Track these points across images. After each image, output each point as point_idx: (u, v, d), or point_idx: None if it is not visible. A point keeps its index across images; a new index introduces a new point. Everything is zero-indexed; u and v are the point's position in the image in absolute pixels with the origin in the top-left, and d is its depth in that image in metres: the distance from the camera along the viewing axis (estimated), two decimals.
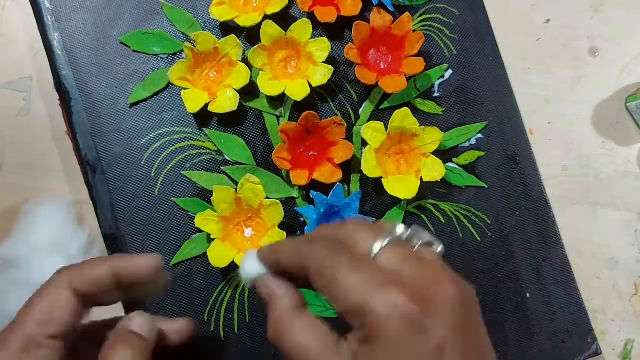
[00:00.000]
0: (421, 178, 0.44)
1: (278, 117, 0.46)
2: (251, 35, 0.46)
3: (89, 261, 0.35)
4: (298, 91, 0.44)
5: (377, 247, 0.29)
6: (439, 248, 0.31)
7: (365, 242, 0.30)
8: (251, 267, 0.33)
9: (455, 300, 0.28)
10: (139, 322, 0.35)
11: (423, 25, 0.48)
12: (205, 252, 0.43)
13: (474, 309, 0.29)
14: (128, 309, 0.43)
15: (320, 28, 0.47)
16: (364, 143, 0.46)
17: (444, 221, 0.47)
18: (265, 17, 0.44)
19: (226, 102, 0.44)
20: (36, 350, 0.31)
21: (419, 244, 0.30)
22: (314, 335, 0.29)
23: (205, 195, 0.45)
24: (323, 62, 0.44)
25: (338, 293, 0.28)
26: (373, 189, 0.46)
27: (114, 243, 0.44)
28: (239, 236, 0.44)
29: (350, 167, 0.46)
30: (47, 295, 0.33)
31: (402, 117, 0.44)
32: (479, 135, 0.48)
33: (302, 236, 0.34)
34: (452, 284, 0.28)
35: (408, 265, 0.28)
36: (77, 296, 0.33)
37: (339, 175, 0.44)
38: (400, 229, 0.30)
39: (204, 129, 0.46)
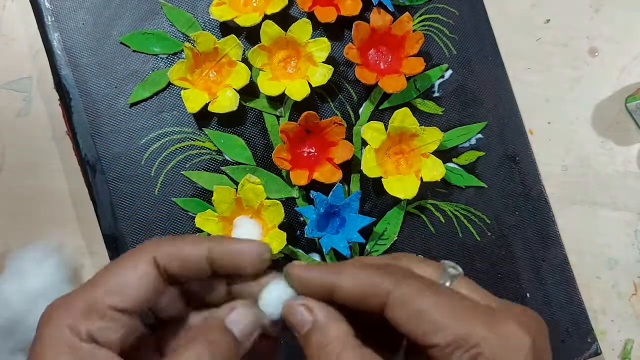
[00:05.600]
0: (421, 178, 0.44)
1: (278, 117, 0.46)
2: (251, 35, 0.46)
3: (181, 237, 0.29)
4: (298, 91, 0.44)
5: (444, 281, 0.27)
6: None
7: (431, 276, 0.27)
8: (276, 298, 0.28)
9: (543, 329, 0.26)
10: (239, 317, 0.27)
11: (423, 25, 0.48)
12: None
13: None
14: None
15: (320, 28, 0.47)
16: (364, 143, 0.46)
17: (443, 221, 0.47)
18: (265, 17, 0.44)
19: (226, 102, 0.44)
20: (98, 319, 0.26)
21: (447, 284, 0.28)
22: None
23: (205, 195, 0.45)
24: (323, 62, 0.44)
25: (432, 323, 0.25)
26: (373, 189, 0.46)
27: (114, 243, 0.44)
28: None
29: (350, 167, 0.46)
30: (125, 264, 0.27)
31: (402, 117, 0.44)
32: (479, 135, 0.48)
33: (346, 262, 0.29)
34: (531, 311, 0.27)
35: (481, 297, 0.27)
36: (160, 273, 0.27)
37: (339, 175, 0.44)
38: (458, 268, 0.28)
39: (203, 129, 0.46)
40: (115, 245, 0.44)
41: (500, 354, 0.24)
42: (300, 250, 0.45)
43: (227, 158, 0.46)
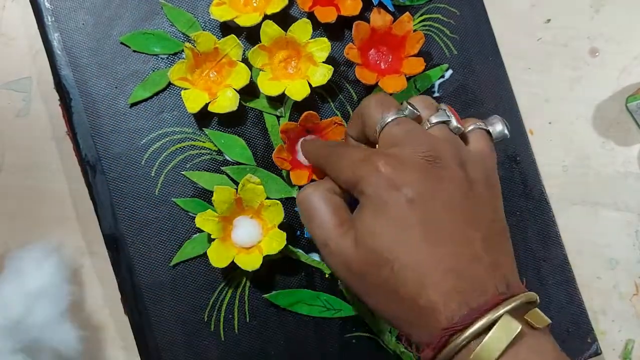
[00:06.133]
0: None
1: (278, 117, 0.46)
2: (251, 35, 0.46)
3: None
4: (298, 91, 0.44)
5: (384, 121, 0.34)
6: (453, 123, 0.35)
7: (375, 117, 0.35)
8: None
9: (426, 161, 0.32)
10: None
11: (423, 25, 0.48)
12: (205, 252, 0.43)
13: (457, 180, 0.33)
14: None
15: (320, 28, 0.47)
16: None
17: None
18: (265, 17, 0.44)
19: (226, 102, 0.44)
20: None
21: (433, 121, 0.34)
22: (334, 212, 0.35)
23: (205, 196, 0.45)
24: (323, 62, 0.44)
25: (340, 173, 0.35)
26: None
27: (114, 243, 0.44)
28: None
29: None
30: None
31: None
32: None
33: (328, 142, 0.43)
34: (429, 147, 0.33)
35: (403, 138, 0.33)
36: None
37: None
38: (406, 107, 0.35)
39: (204, 129, 0.46)
40: (116, 245, 0.44)
41: (365, 185, 0.32)
42: (300, 250, 0.45)
43: (228, 158, 0.46)
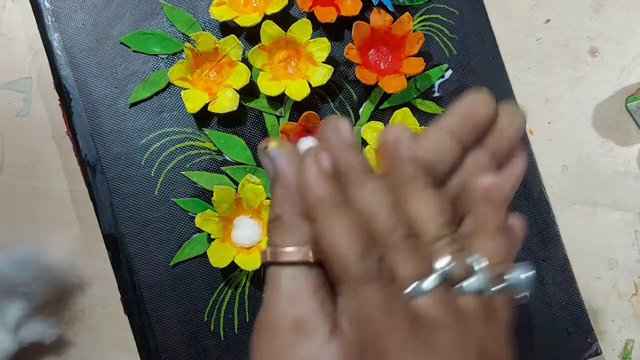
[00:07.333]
0: None
1: (278, 117, 0.46)
2: (251, 35, 0.46)
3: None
4: (298, 91, 0.44)
5: (420, 288, 0.23)
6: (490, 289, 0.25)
7: (406, 274, 0.23)
8: None
9: None
10: None
11: (423, 25, 0.48)
12: (205, 252, 0.43)
13: None
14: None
15: (320, 28, 0.47)
16: (364, 143, 0.46)
17: None
18: (265, 17, 0.44)
19: (226, 102, 0.44)
20: None
21: (490, 291, 0.24)
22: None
23: (205, 195, 0.45)
24: (323, 62, 0.44)
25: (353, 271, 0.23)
26: None
27: (114, 243, 0.44)
28: None
29: None
30: None
31: (402, 117, 0.44)
32: None
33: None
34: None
35: (447, 326, 0.23)
36: None
37: None
38: (458, 265, 0.24)
39: (204, 129, 0.46)
40: (115, 245, 0.44)
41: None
42: None
43: (227, 158, 0.46)
